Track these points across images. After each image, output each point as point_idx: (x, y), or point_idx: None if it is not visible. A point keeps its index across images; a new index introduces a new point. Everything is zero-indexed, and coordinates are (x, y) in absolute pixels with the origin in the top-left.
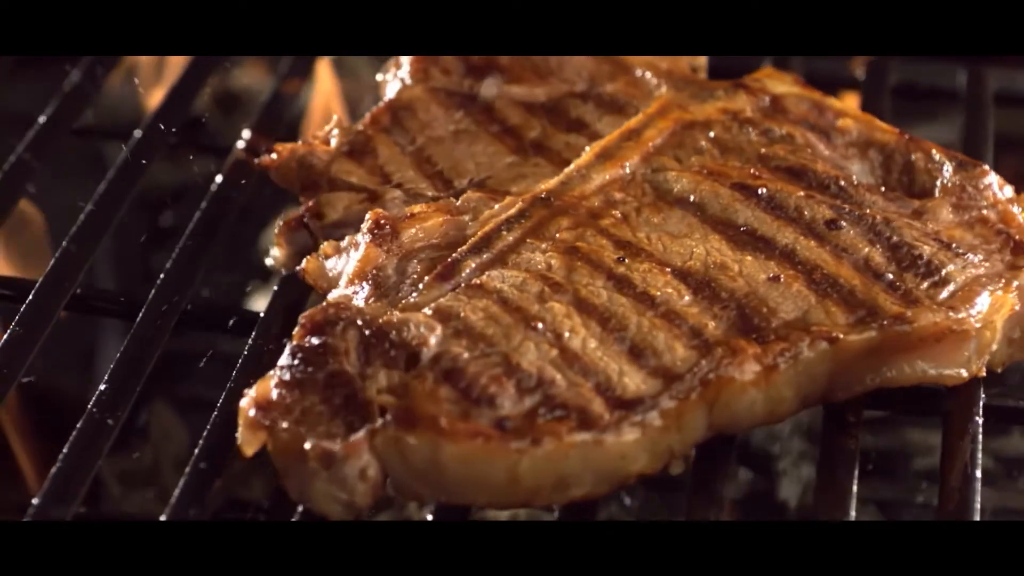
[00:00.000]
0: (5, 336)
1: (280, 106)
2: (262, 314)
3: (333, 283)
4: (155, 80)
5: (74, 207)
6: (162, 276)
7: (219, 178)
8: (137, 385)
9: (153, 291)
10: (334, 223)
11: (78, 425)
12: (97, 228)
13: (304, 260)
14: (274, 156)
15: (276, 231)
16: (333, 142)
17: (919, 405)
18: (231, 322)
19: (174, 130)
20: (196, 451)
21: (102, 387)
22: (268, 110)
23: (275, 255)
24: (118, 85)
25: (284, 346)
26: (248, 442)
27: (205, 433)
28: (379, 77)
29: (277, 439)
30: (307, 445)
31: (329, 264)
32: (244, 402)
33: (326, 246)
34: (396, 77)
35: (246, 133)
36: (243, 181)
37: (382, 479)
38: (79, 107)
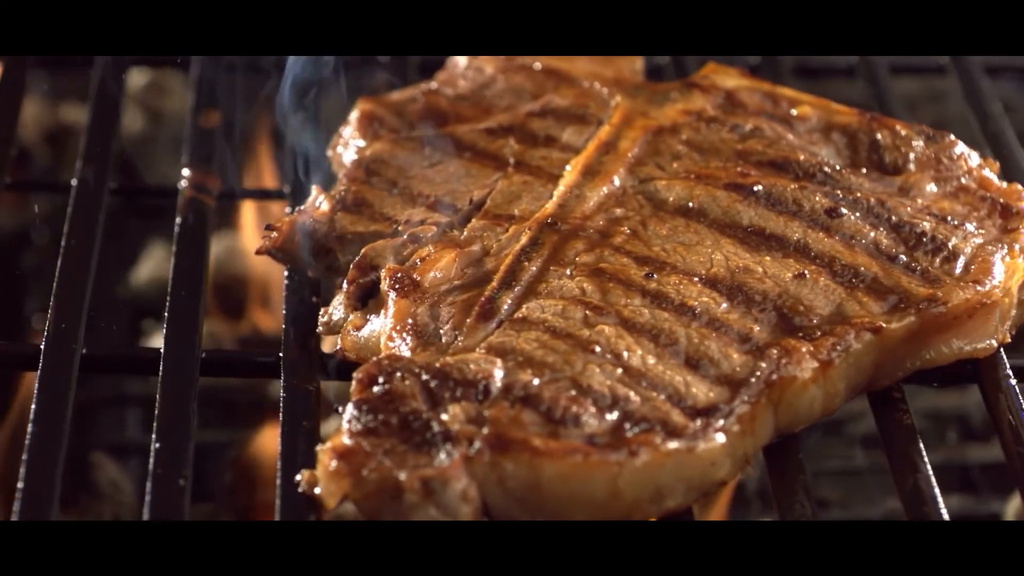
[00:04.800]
0: (34, 405)
1: (203, 138)
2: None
3: (373, 350)
4: None
5: None
6: (166, 326)
7: (179, 219)
8: (190, 438)
9: (163, 341)
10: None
11: (149, 487)
12: (78, 283)
13: (339, 340)
14: (274, 235)
15: (344, 297)
16: (323, 208)
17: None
18: (248, 365)
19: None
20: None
21: (156, 445)
22: (196, 144)
23: (339, 318)
24: None
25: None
26: (331, 494)
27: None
28: (328, 153)
29: (365, 483)
30: (402, 476)
31: (363, 333)
32: (323, 456)
33: (355, 319)
34: (346, 144)
35: (185, 171)
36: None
37: (482, 502)
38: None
